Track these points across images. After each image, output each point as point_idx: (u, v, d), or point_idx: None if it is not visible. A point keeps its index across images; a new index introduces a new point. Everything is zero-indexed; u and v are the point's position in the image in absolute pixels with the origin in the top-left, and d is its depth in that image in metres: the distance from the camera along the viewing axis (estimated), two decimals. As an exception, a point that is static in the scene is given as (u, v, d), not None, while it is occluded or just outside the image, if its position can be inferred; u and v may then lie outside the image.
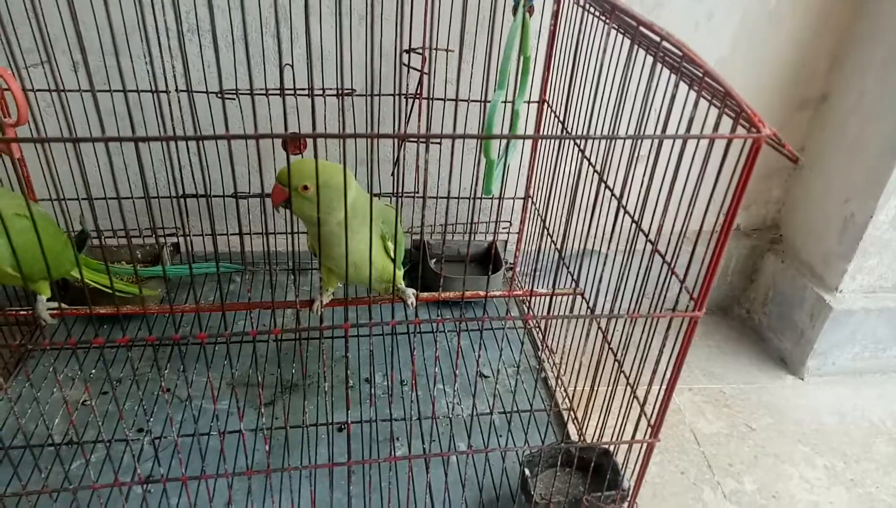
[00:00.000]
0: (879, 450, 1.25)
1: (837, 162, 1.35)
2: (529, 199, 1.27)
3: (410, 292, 0.91)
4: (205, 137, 0.52)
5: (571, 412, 1.04)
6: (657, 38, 0.54)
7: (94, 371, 1.04)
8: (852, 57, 1.31)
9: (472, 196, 1.01)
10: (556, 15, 1.09)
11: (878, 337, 1.38)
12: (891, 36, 1.22)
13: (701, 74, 0.52)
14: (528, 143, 1.24)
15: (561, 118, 1.08)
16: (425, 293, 0.98)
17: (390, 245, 0.85)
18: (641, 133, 0.71)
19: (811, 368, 1.41)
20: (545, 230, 1.14)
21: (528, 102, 1.16)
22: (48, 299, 0.86)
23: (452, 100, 1.21)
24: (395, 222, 0.86)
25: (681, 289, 0.71)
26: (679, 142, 0.62)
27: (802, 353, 1.40)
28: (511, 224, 1.36)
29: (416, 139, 1.20)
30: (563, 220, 0.99)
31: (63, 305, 0.89)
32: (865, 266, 1.32)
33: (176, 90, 1.11)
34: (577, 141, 0.96)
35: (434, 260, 1.31)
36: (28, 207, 0.59)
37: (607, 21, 0.79)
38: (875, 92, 1.26)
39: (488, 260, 1.34)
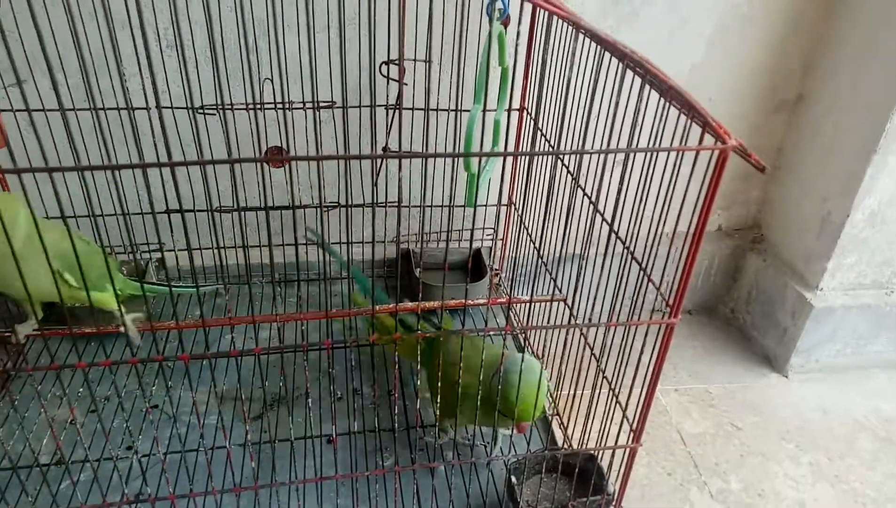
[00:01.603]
0: (863, 446, 1.27)
1: (814, 162, 1.37)
2: (511, 205, 1.28)
3: (129, 318, 0.89)
4: (181, 162, 0.53)
5: (557, 418, 1.05)
6: (620, 55, 0.55)
7: (80, 390, 1.04)
8: (826, 59, 1.33)
9: (451, 204, 1.02)
10: (531, 23, 1.10)
11: (858, 334, 1.41)
12: (862, 37, 1.24)
13: (664, 89, 0.53)
14: (510, 150, 1.25)
15: (540, 126, 1.09)
16: (409, 303, 0.99)
17: (68, 276, 0.85)
18: (615, 138, 0.72)
19: (795, 366, 1.42)
20: (527, 236, 1.15)
21: (509, 110, 1.17)
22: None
23: (433, 110, 1.22)
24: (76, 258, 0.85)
25: (657, 295, 0.72)
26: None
27: (786, 351, 1.42)
28: (495, 231, 1.37)
29: (394, 154, 1.21)
30: (542, 226, 1.00)
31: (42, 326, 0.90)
32: (844, 264, 1.34)
33: (156, 106, 1.12)
34: (552, 150, 0.97)
35: (419, 269, 1.32)
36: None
37: (579, 29, 0.80)
38: (848, 92, 1.28)
39: (474, 267, 1.35)
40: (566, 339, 0.92)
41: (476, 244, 1.37)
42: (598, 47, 0.68)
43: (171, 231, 1.26)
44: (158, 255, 1.28)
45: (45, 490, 0.87)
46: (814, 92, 1.36)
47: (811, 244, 1.38)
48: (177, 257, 1.29)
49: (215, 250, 1.24)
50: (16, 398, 1.02)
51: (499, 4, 0.86)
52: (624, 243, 0.77)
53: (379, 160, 1.20)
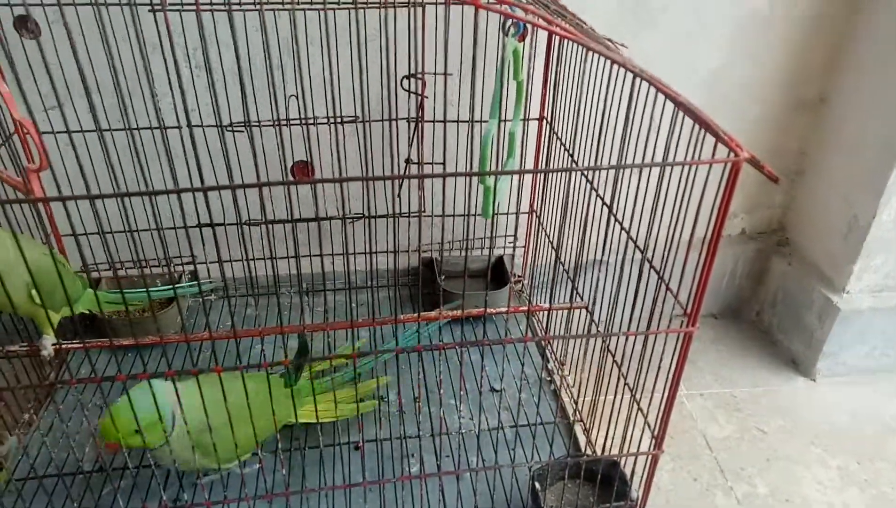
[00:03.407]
0: (894, 449, 1.25)
1: (838, 163, 1.36)
2: (533, 213, 1.30)
3: (48, 341, 0.93)
4: (213, 187, 0.56)
5: (581, 424, 1.06)
6: (632, 74, 0.56)
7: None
8: (848, 59, 1.32)
9: (473, 214, 1.05)
10: (549, 37, 1.12)
11: (887, 336, 1.39)
12: (885, 37, 1.23)
13: (677, 104, 0.55)
14: (530, 158, 1.27)
15: (559, 135, 1.11)
16: (432, 313, 1.02)
17: (34, 292, 0.87)
18: (630, 147, 0.74)
19: (822, 369, 1.41)
20: (549, 244, 1.17)
21: (527, 120, 1.19)
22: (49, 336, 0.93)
23: (453, 122, 1.24)
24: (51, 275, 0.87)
25: (674, 304, 0.73)
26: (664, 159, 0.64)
27: (813, 354, 1.41)
28: (516, 238, 1.39)
29: (416, 165, 1.23)
30: (561, 234, 1.02)
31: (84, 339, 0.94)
32: (871, 266, 1.33)
33: (187, 125, 1.16)
34: (566, 165, 0.99)
35: (443, 277, 1.34)
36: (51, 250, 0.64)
37: (589, 49, 0.81)
38: (872, 93, 1.27)
39: (496, 274, 1.37)
40: (587, 346, 0.93)
41: (499, 252, 1.39)
42: (611, 63, 0.69)
43: (203, 244, 1.30)
44: (191, 268, 1.32)
45: (88, 495, 0.91)
46: (837, 92, 1.35)
47: (837, 247, 1.37)
48: (208, 270, 1.34)
49: (244, 262, 1.29)
50: (60, 407, 1.07)
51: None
52: (642, 251, 0.78)
53: (405, 169, 1.23)
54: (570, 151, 1.04)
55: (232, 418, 0.79)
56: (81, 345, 0.95)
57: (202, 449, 0.83)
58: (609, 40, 0.83)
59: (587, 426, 1.04)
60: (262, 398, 0.84)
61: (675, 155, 0.66)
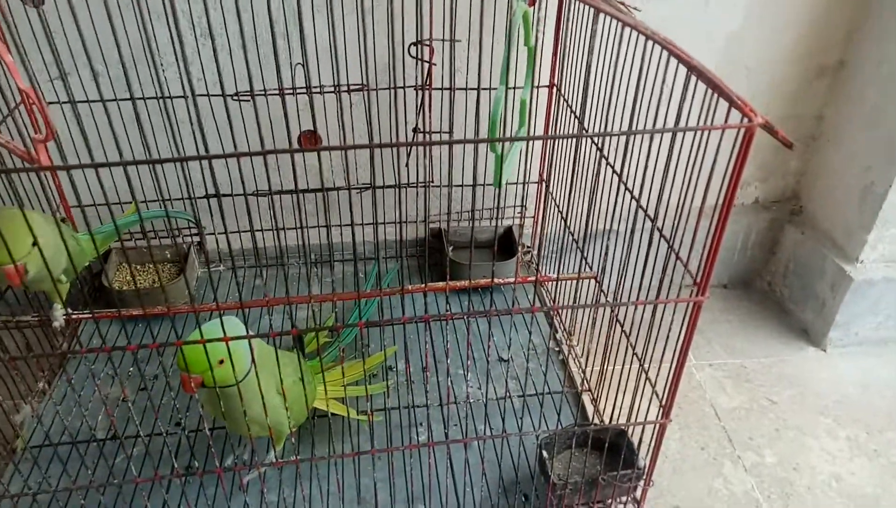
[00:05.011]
0: (904, 420, 1.25)
1: (856, 131, 1.33)
2: (543, 182, 1.28)
3: (59, 312, 0.93)
4: (217, 155, 0.55)
5: (589, 394, 1.06)
6: (644, 36, 0.55)
7: (130, 370, 1.10)
8: (869, 24, 1.28)
9: (481, 184, 1.04)
10: (559, 1, 1.09)
11: (901, 306, 1.37)
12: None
13: (689, 67, 0.53)
14: (540, 126, 1.25)
15: (568, 100, 1.09)
16: (440, 283, 1.01)
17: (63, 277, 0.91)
18: (642, 111, 0.72)
19: (833, 339, 1.40)
20: (558, 214, 1.16)
21: (537, 87, 1.17)
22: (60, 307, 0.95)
23: (461, 89, 1.22)
24: None
25: (683, 274, 0.72)
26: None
27: (824, 324, 1.40)
28: (525, 208, 1.38)
29: (423, 134, 1.22)
30: (572, 203, 1.01)
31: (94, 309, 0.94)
32: (886, 236, 1.31)
33: (191, 95, 1.15)
34: (582, 127, 0.97)
35: (451, 247, 1.33)
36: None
37: (600, 11, 0.79)
38: (893, 59, 1.23)
39: (506, 244, 1.36)
40: (595, 316, 0.93)
41: (507, 222, 1.38)
42: (622, 25, 0.68)
43: (211, 215, 1.30)
44: (198, 239, 1.32)
45: (102, 463, 0.93)
46: (857, 58, 1.32)
47: (852, 216, 1.35)
48: (217, 240, 1.34)
49: (251, 233, 1.29)
50: (72, 377, 1.08)
51: (524, -17, 0.85)
52: (652, 220, 0.77)
53: (413, 137, 1.21)
54: (580, 119, 1.02)
55: (289, 388, 0.82)
56: (91, 316, 0.96)
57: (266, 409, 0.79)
58: (621, 3, 0.81)
59: (595, 395, 1.04)
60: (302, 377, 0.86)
61: (687, 121, 0.65)
